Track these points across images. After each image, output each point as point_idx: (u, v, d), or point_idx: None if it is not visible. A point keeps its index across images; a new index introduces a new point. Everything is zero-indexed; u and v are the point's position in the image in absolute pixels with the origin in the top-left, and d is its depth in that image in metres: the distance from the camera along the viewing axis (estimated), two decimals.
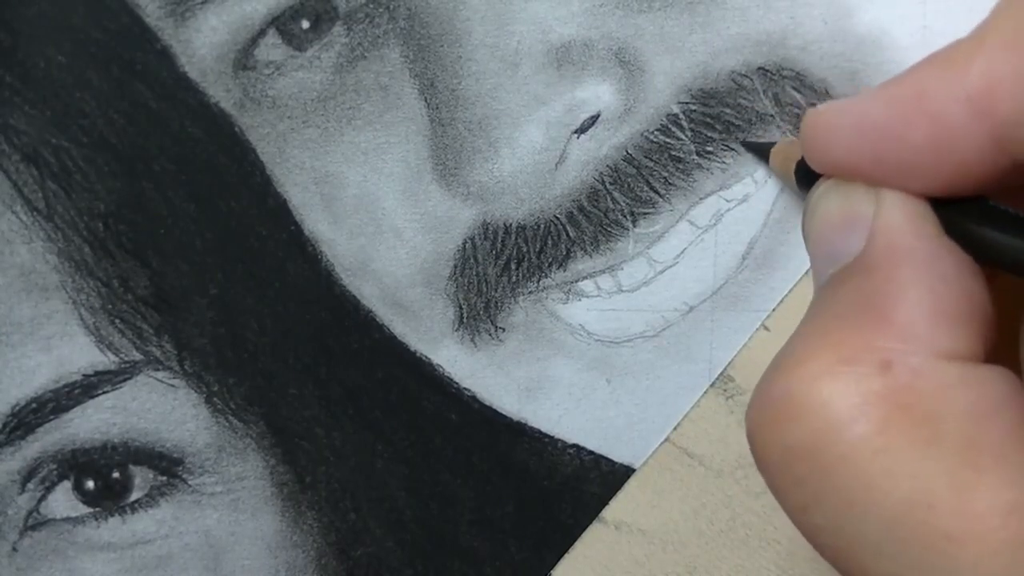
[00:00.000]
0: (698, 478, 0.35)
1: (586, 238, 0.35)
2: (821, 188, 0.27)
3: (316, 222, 0.36)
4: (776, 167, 0.33)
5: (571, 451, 0.36)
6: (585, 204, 0.35)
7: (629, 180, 0.35)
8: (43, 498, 0.36)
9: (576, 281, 0.35)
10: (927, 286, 0.23)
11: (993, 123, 0.23)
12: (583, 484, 0.35)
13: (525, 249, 0.35)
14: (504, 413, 0.36)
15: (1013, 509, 0.21)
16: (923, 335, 0.22)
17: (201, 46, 0.35)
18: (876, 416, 0.22)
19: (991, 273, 0.24)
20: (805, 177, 0.29)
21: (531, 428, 0.36)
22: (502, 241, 0.35)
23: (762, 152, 0.34)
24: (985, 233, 0.24)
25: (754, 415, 0.24)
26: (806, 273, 0.35)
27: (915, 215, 0.24)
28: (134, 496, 0.36)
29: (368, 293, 0.36)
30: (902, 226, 0.24)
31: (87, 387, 0.36)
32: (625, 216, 0.35)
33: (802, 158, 0.30)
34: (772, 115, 0.34)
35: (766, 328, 0.35)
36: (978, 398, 0.22)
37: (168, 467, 0.36)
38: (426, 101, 0.35)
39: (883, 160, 0.25)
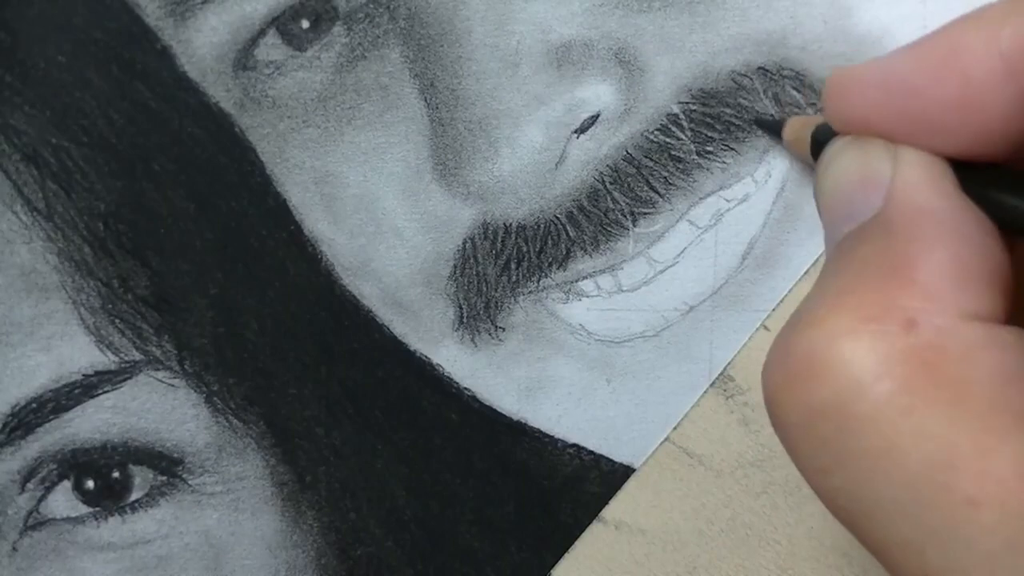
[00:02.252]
0: (698, 478, 0.35)
1: (586, 238, 0.35)
2: (836, 145, 0.26)
3: (316, 222, 0.36)
4: (789, 140, 0.33)
5: (571, 451, 0.36)
6: (585, 204, 0.35)
7: (629, 180, 0.35)
8: (43, 498, 0.36)
9: (576, 281, 0.35)
10: (950, 246, 0.23)
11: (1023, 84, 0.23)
12: (583, 484, 0.35)
13: (525, 249, 0.35)
14: (504, 413, 0.36)
15: None
16: (948, 295, 0.22)
17: (201, 46, 0.35)
18: (901, 375, 0.21)
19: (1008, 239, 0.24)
20: (820, 147, 0.29)
21: (531, 428, 0.36)
22: (502, 241, 0.35)
23: (775, 129, 0.34)
24: (1004, 198, 0.24)
25: (773, 375, 0.23)
26: (806, 273, 0.35)
27: (935, 174, 0.24)
28: (134, 496, 0.36)
29: (368, 293, 0.36)
30: (922, 184, 0.24)
31: (87, 387, 0.36)
32: (625, 216, 0.35)
33: (817, 128, 0.30)
34: (772, 115, 0.34)
35: (766, 328, 0.35)
36: (1002, 360, 0.22)
37: (168, 467, 0.36)
38: (426, 101, 0.35)
39: (909, 117, 0.24)
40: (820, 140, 0.29)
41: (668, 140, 0.35)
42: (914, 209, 0.23)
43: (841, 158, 0.26)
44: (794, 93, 0.34)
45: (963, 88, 0.23)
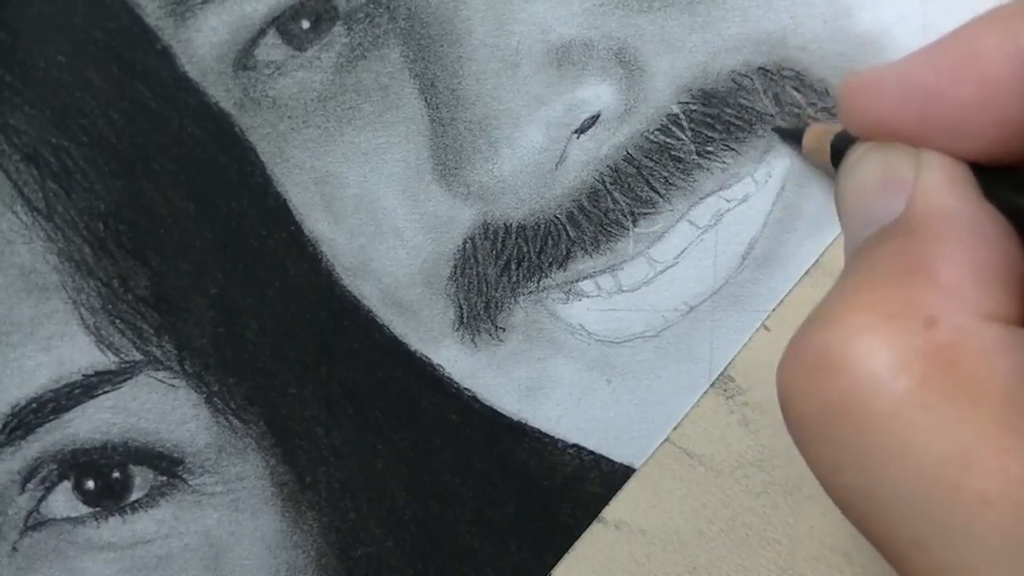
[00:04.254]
0: (698, 478, 0.35)
1: (586, 238, 0.35)
2: (858, 151, 0.26)
3: (316, 222, 0.36)
4: (809, 149, 0.33)
5: (571, 451, 0.36)
6: (585, 204, 0.35)
7: (629, 180, 0.35)
8: (43, 498, 0.36)
9: (576, 281, 0.35)
10: (971, 247, 0.23)
11: None
12: (583, 484, 0.35)
13: (525, 249, 0.35)
14: (504, 413, 0.36)
15: None
16: (967, 295, 0.22)
17: (201, 46, 0.35)
18: (919, 372, 0.21)
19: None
20: (840, 155, 0.28)
21: (531, 428, 0.36)
22: (502, 241, 0.35)
23: (794, 137, 0.34)
24: (1019, 198, 0.24)
25: (788, 370, 0.23)
26: (806, 273, 0.35)
27: (956, 177, 0.24)
28: (134, 496, 0.36)
29: (368, 293, 0.36)
30: (943, 188, 0.24)
31: (87, 387, 0.36)
32: (625, 216, 0.35)
33: (836, 136, 0.30)
34: (772, 115, 0.34)
35: (766, 328, 0.35)
36: (1020, 361, 0.21)
37: (168, 467, 0.36)
38: (426, 101, 0.35)
39: (928, 119, 0.24)
40: (839, 148, 0.29)
41: (668, 140, 0.35)
42: (935, 211, 0.23)
43: (863, 163, 0.26)
44: (794, 93, 0.34)
45: (981, 89, 0.23)
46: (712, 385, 0.35)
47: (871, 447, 0.22)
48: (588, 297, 0.35)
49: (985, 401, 0.21)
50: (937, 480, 0.21)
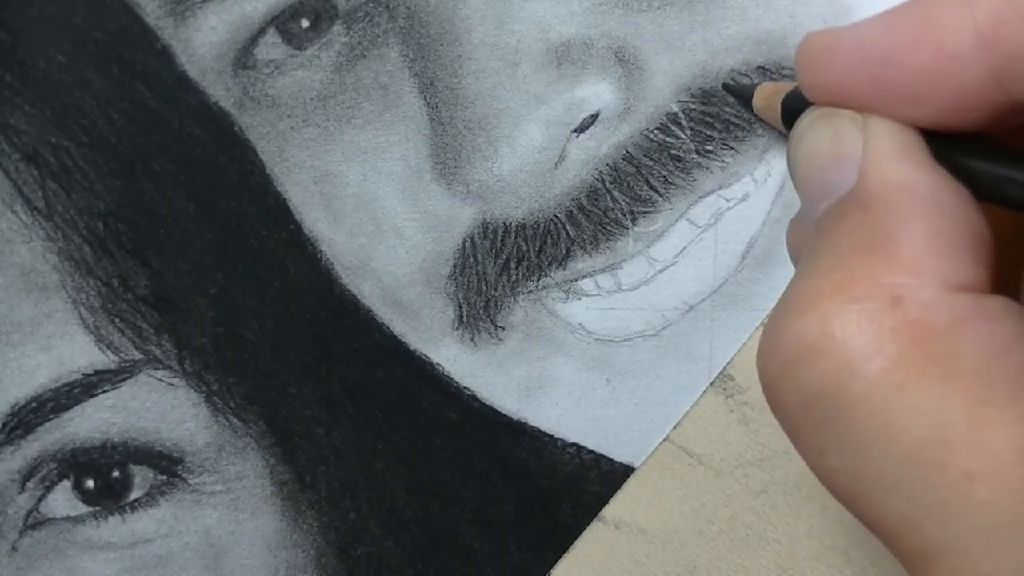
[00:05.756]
0: (698, 477, 0.35)
1: (586, 237, 0.35)
2: (807, 120, 0.26)
3: (316, 221, 0.36)
4: (759, 107, 0.33)
5: (571, 450, 0.36)
6: (585, 203, 0.35)
7: (629, 179, 0.35)
8: (43, 497, 0.36)
9: (576, 280, 0.35)
10: (928, 217, 0.23)
11: (997, 56, 0.23)
12: (583, 483, 0.35)
13: (525, 248, 0.35)
14: (504, 412, 0.36)
15: None
16: (930, 268, 0.22)
17: (201, 45, 0.35)
18: (891, 352, 0.21)
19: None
20: (790, 114, 0.28)
21: (531, 427, 0.36)
22: (502, 240, 0.35)
23: (744, 95, 0.34)
24: (976, 165, 0.24)
25: (767, 361, 0.23)
26: None
27: (907, 145, 0.24)
28: (134, 495, 0.36)
29: (368, 292, 0.36)
30: (893, 156, 0.24)
31: (87, 386, 0.36)
32: (625, 215, 0.35)
33: (787, 95, 0.30)
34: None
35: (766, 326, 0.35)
36: (990, 331, 0.22)
37: (168, 466, 0.36)
38: (426, 100, 0.35)
39: (882, 84, 0.24)
40: (790, 107, 0.29)
41: (668, 139, 0.35)
42: (888, 182, 0.23)
43: (811, 132, 0.26)
44: None
45: (936, 57, 0.23)
46: (712, 384, 0.35)
47: (853, 431, 0.22)
48: (588, 296, 0.35)
49: (958, 375, 0.21)
50: (919, 459, 0.21)
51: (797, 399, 0.23)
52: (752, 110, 0.33)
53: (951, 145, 0.24)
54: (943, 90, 0.23)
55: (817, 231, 0.24)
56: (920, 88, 0.24)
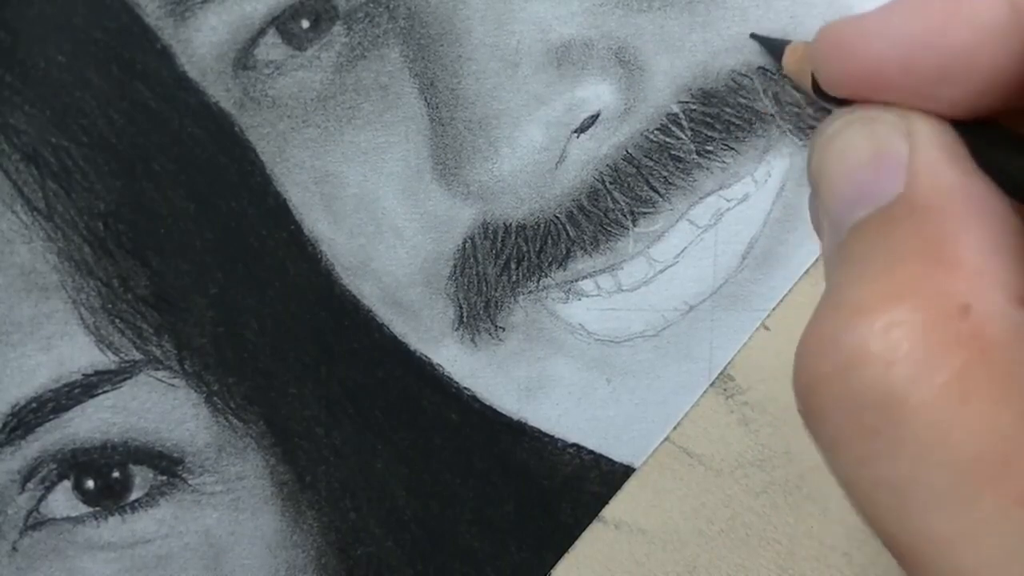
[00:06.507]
0: (698, 477, 0.35)
1: (586, 237, 0.35)
2: (838, 122, 0.25)
3: (316, 221, 0.36)
4: (791, 69, 0.32)
5: (571, 450, 0.36)
6: (585, 203, 0.35)
7: (629, 179, 0.35)
8: (43, 498, 0.36)
9: (576, 280, 0.35)
10: (987, 224, 0.22)
11: None
12: (583, 483, 0.35)
13: (525, 248, 0.35)
14: (504, 413, 0.36)
15: None
16: (996, 277, 0.21)
17: (201, 45, 0.35)
18: (957, 364, 0.21)
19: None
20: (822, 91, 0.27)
21: (531, 428, 0.36)
22: (502, 240, 0.35)
23: (774, 49, 0.33)
24: (1007, 159, 0.23)
25: (812, 367, 0.22)
26: (806, 272, 0.35)
27: (953, 147, 0.23)
28: (134, 496, 0.36)
29: (368, 293, 0.36)
30: (943, 162, 0.23)
31: (87, 386, 0.36)
32: (625, 215, 0.35)
33: None
34: (772, 114, 0.34)
35: (766, 328, 0.35)
36: None
37: (168, 466, 0.36)
38: (426, 101, 0.35)
39: (911, 71, 0.23)
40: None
41: (668, 140, 0.35)
42: (942, 188, 0.23)
43: (845, 136, 0.25)
44: (794, 92, 0.34)
45: (971, 36, 0.23)
46: (712, 384, 0.35)
47: (906, 440, 0.21)
48: (588, 296, 0.35)
49: (1022, 391, 0.20)
50: (972, 475, 0.20)
51: (846, 405, 0.22)
52: (781, 69, 0.32)
53: (978, 137, 0.24)
54: (979, 69, 0.23)
55: (861, 237, 0.24)
56: (955, 70, 0.23)
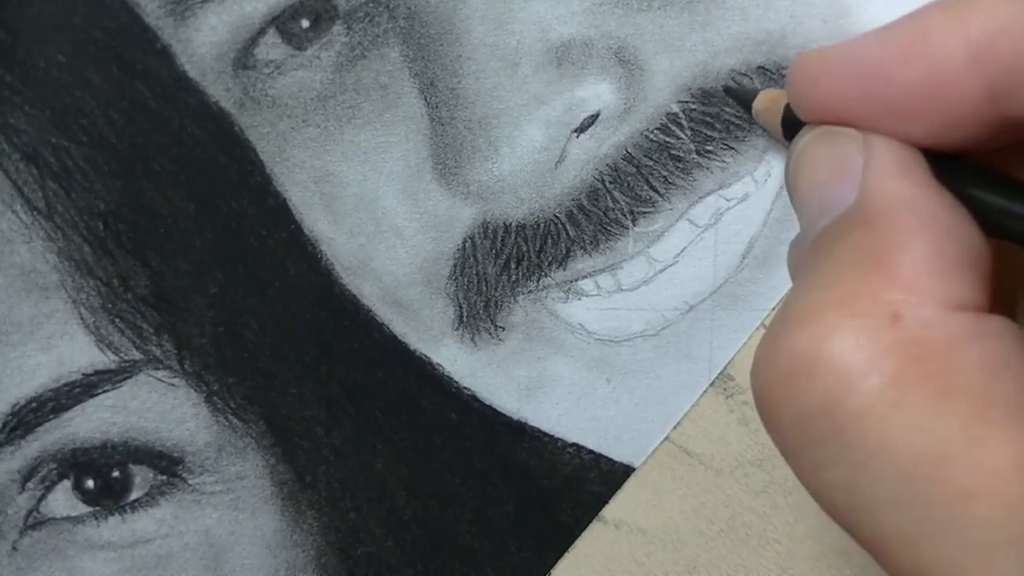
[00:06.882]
0: (698, 477, 0.35)
1: (586, 237, 0.35)
2: (806, 137, 0.26)
3: (316, 221, 0.36)
4: (761, 113, 0.33)
5: (571, 450, 0.36)
6: (585, 203, 0.35)
7: (629, 179, 0.35)
8: (43, 497, 0.36)
9: (576, 280, 0.35)
10: (929, 236, 0.22)
11: (991, 70, 0.23)
12: (583, 483, 0.35)
13: (525, 248, 0.35)
14: (504, 412, 0.36)
15: None
16: (930, 286, 0.22)
17: (201, 45, 0.35)
18: (889, 369, 0.21)
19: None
20: (791, 124, 0.28)
21: (531, 427, 0.36)
22: (502, 240, 0.35)
23: (744, 99, 0.34)
24: (977, 194, 0.24)
25: (763, 376, 0.23)
26: None
27: (907, 162, 0.24)
28: (134, 495, 0.36)
29: (368, 292, 0.36)
30: (894, 173, 0.24)
31: (87, 386, 0.36)
32: (625, 215, 0.35)
33: (788, 104, 0.30)
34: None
35: (766, 328, 0.35)
36: (989, 350, 0.22)
37: (168, 466, 0.36)
38: (426, 100, 0.35)
39: (874, 101, 0.24)
40: (791, 119, 0.29)
41: (668, 139, 0.35)
42: (889, 199, 0.23)
43: (812, 150, 0.26)
44: None
45: (929, 72, 0.23)
46: (712, 384, 0.35)
47: (850, 447, 0.22)
48: (588, 296, 0.35)
49: (956, 393, 0.21)
50: (916, 475, 0.21)
51: (792, 413, 0.23)
52: (752, 115, 0.33)
53: (951, 169, 0.24)
54: (936, 105, 0.23)
55: (816, 247, 0.24)
56: (912, 103, 0.24)
